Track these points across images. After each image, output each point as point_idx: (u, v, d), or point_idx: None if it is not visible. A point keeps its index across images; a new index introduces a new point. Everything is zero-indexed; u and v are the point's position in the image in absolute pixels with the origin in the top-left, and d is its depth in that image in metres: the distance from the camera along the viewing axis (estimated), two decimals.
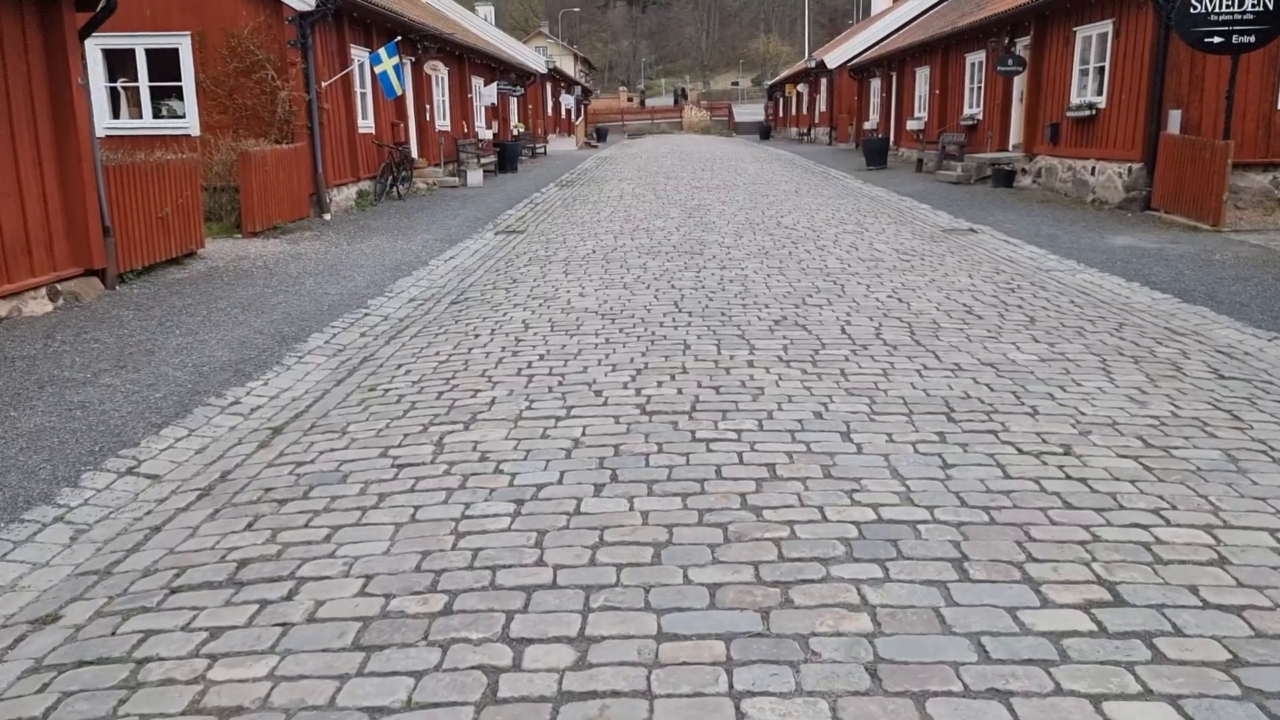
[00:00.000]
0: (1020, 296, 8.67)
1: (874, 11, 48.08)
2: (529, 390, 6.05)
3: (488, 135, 28.50)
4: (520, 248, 12.47)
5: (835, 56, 41.35)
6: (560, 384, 6.16)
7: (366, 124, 17.61)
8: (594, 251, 11.83)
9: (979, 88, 22.95)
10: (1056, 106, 18.00)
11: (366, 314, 8.60)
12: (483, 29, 39.07)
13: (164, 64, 14.62)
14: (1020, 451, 4.79)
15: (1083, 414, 5.36)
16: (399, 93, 15.81)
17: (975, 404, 5.57)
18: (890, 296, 8.65)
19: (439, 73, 20.35)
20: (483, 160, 24.21)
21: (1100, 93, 16.36)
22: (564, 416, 5.50)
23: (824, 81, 43.66)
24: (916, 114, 28.34)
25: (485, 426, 5.37)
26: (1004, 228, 13.56)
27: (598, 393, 5.94)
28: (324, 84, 15.00)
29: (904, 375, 6.18)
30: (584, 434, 5.19)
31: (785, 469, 4.60)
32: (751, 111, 75.21)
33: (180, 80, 14.65)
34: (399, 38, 16.33)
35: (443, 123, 23.30)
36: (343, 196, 16.26)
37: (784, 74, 60.61)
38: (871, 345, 6.94)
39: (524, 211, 16.84)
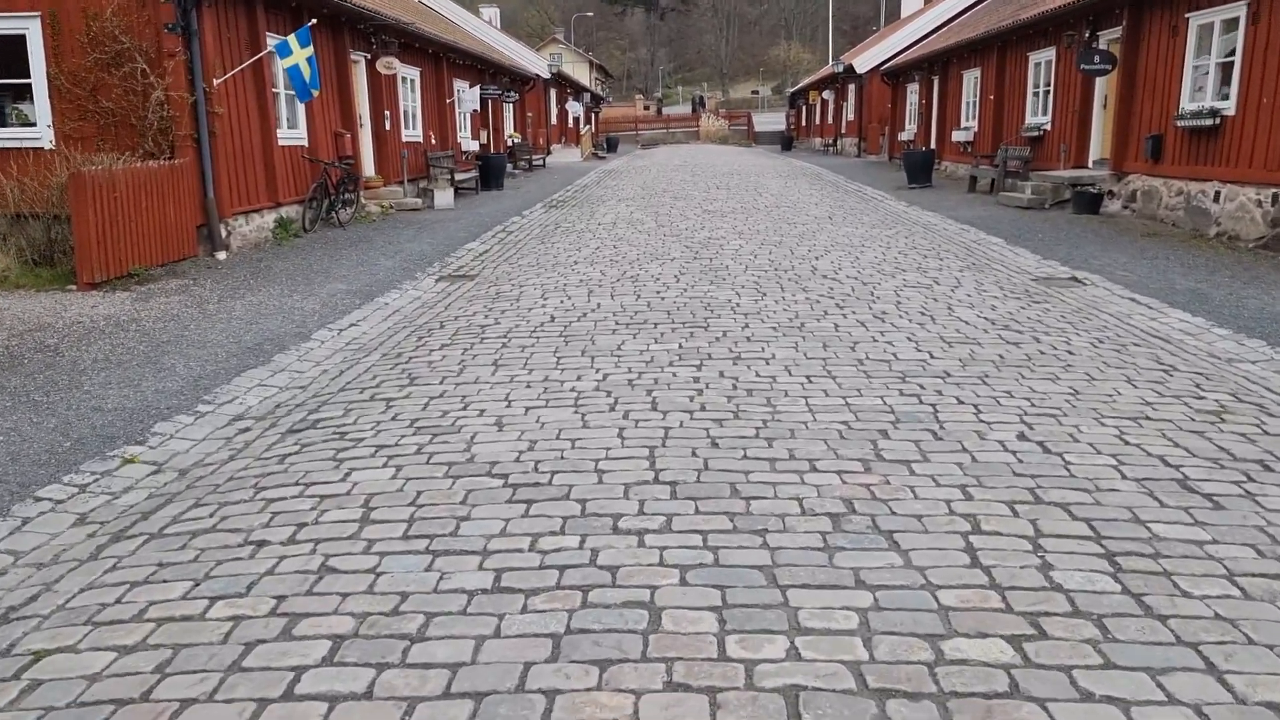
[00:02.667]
0: (1238, 428, 5.00)
1: (905, 13, 44.45)
2: None
3: (473, 147, 24.99)
4: (454, 310, 8.89)
5: (865, 60, 37.70)
6: None
7: (293, 134, 14.09)
8: (552, 319, 8.23)
9: (1046, 92, 19.24)
10: (1159, 114, 14.29)
11: (92, 483, 5.01)
12: (479, 29, 35.66)
13: (7, 56, 11.15)
14: None
15: None
16: (313, 94, 12.30)
17: None
18: (1022, 439, 5.00)
19: (393, 71, 16.84)
20: (459, 177, 20.68)
21: (1227, 96, 12.65)
22: None
23: (852, 88, 40.00)
24: (964, 123, 24.64)
25: None
26: (1118, 277, 9.90)
27: None
28: (217, 81, 11.46)
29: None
30: None
31: None
32: (772, 121, 71.54)
33: (30, 77, 11.16)
34: (313, 21, 12.77)
35: (410, 133, 19.78)
36: (253, 228, 12.72)
37: (807, 80, 56.96)
38: (1050, 604, 3.29)
39: (488, 245, 13.29)
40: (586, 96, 52.90)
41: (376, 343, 7.65)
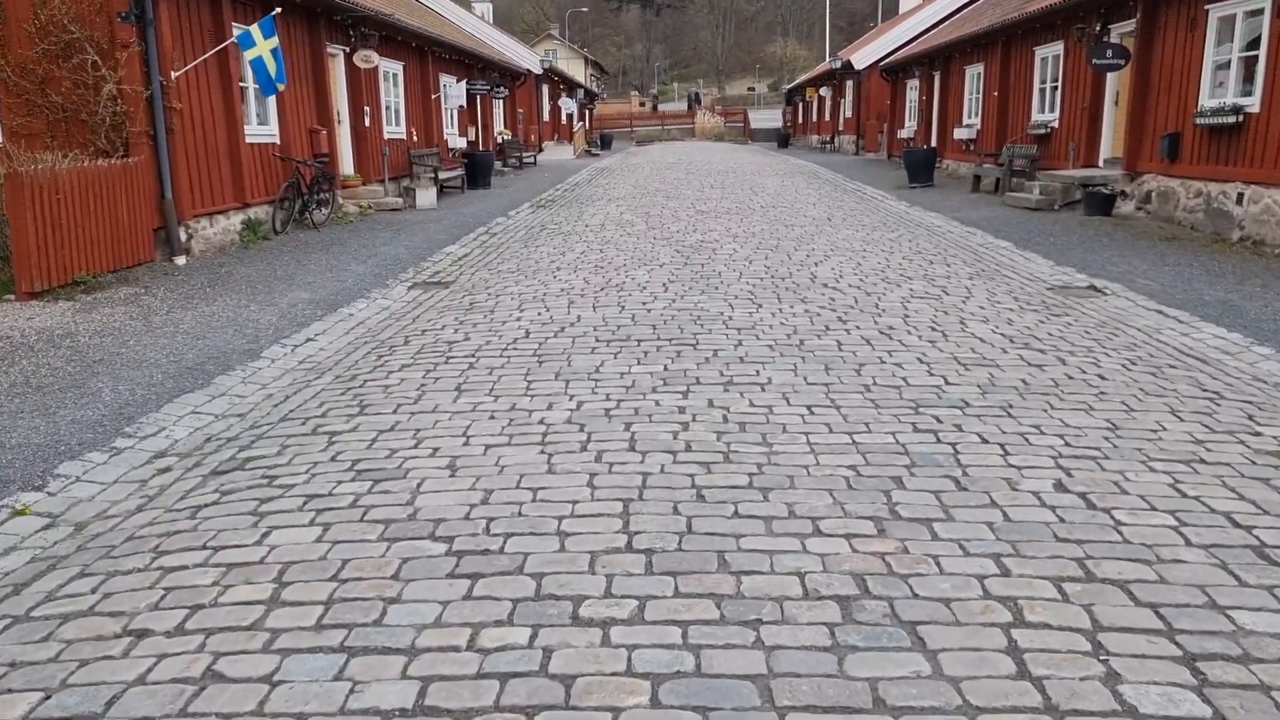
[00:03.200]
0: None
1: (903, 9, 43.70)
2: None
3: (461, 144, 24.23)
4: (422, 322, 8.17)
5: (863, 56, 36.98)
6: None
7: (263, 131, 13.34)
8: (527, 334, 7.51)
9: (1054, 88, 18.52)
10: (1176, 111, 13.57)
11: None
12: (469, 23, 34.88)
13: None
14: None
15: None
16: (279, 89, 11.53)
17: None
18: (1060, 489, 4.27)
19: (372, 65, 16.08)
20: (443, 175, 19.92)
21: (1250, 92, 11.94)
22: None
23: (850, 84, 39.27)
24: (966, 120, 23.92)
25: None
26: (1140, 285, 9.19)
27: None
28: (176, 74, 10.71)
29: None
30: None
31: None
32: (768, 118, 70.82)
33: None
34: (277, 10, 12.01)
35: (393, 129, 19.01)
36: (217, 230, 11.97)
37: (804, 77, 56.22)
38: None
39: (468, 248, 12.56)
40: (580, 93, 52.11)
41: (333, 361, 6.92)
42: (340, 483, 4.52)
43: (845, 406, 5.48)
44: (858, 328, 7.49)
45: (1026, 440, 4.89)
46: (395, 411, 5.64)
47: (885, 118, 34.65)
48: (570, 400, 5.73)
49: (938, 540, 3.74)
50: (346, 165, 16.75)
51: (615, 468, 4.59)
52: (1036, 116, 19.21)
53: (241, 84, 12.75)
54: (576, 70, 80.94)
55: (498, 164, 27.77)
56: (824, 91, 44.78)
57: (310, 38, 14.90)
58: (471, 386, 6.11)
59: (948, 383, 5.95)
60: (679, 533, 3.84)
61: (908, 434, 5.00)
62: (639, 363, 6.55)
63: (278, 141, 13.72)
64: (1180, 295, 8.72)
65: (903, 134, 30.58)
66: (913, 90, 30.13)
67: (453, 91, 21.73)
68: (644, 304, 8.52)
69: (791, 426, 5.15)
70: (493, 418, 5.45)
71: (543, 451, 4.85)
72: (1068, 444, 4.83)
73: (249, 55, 10.99)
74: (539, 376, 6.29)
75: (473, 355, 6.92)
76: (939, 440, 4.90)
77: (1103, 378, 6.05)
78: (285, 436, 5.27)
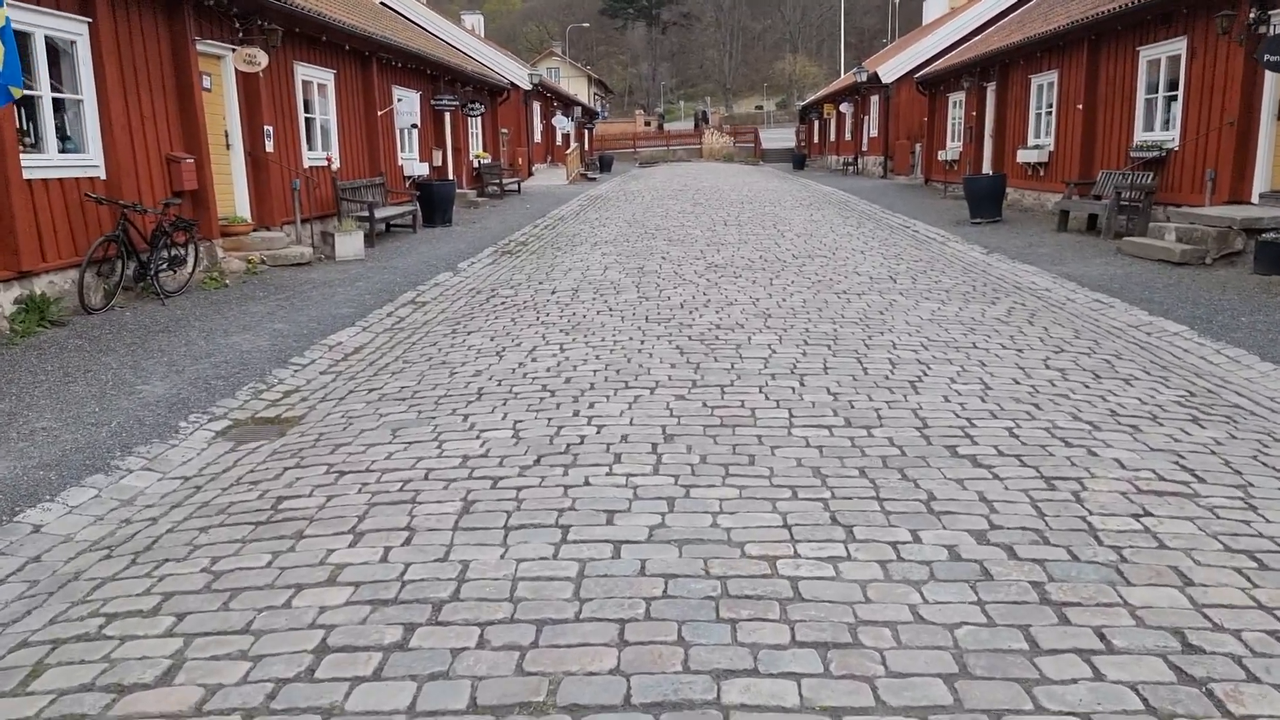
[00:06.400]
0: None
1: (927, 18, 39.59)
2: None
3: (423, 170, 20.02)
4: (167, 570, 3.85)
5: (892, 68, 32.85)
6: None
7: (70, 161, 9.13)
8: (362, 619, 3.19)
9: (1170, 98, 14.26)
10: None
11: None
12: (457, 37, 30.80)
13: None
14: None
15: None
16: (13, 94, 7.30)
17: None
18: None
19: (256, 67, 11.82)
20: (389, 212, 15.71)
21: None
22: None
23: (875, 99, 35.12)
24: (1033, 140, 19.66)
25: None
26: None
27: None
28: None
29: None
30: None
31: None
32: (780, 137, 66.77)
33: None
34: None
35: (314, 155, 14.78)
36: None
37: (822, 92, 52.09)
38: None
39: (368, 337, 8.36)
40: (577, 111, 48.02)
41: None
42: None
43: None
44: (1072, 609, 3.17)
45: None
46: None
47: (919, 137, 30.43)
48: None
49: None
50: (239, 204, 12.52)
51: None
52: (1143, 135, 14.93)
53: (33, 91, 8.54)
54: (580, 89, 77.13)
55: (472, 193, 23.59)
56: (844, 107, 40.60)
57: (169, 29, 10.72)
58: None
59: None
60: None
61: None
62: None
63: (103, 175, 9.48)
64: None
65: (943, 155, 26.33)
66: (957, 105, 25.89)
67: (403, 108, 17.51)
68: (612, 514, 4.22)
69: None
70: None
71: None
72: None
73: None
74: None
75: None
76: None
77: None
78: None
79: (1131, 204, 13.87)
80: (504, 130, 30.47)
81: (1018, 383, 6.30)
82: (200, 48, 11.40)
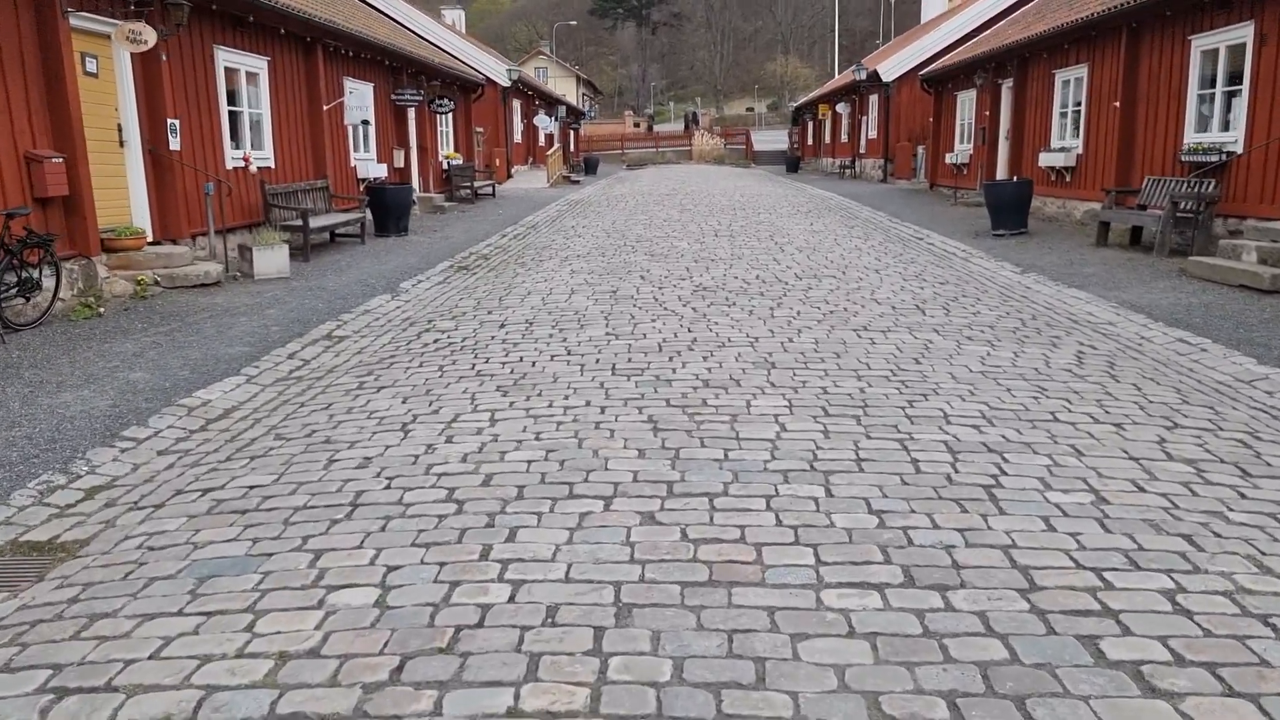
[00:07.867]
0: None
1: (926, 16, 37.69)
2: None
3: (380, 172, 17.97)
4: None
5: (893, 65, 30.95)
6: None
7: None
8: None
9: (1228, 93, 12.32)
10: None
11: None
12: (432, 31, 28.75)
13: None
14: None
15: None
16: None
17: None
18: None
19: (143, 46, 9.78)
20: (331, 220, 13.68)
21: None
22: None
23: (874, 99, 33.19)
24: (1056, 142, 17.72)
25: None
26: None
27: None
28: None
29: None
30: None
31: None
32: (772, 139, 64.77)
33: None
34: None
35: (237, 155, 12.71)
36: None
37: (816, 92, 50.17)
38: None
39: (255, 388, 6.40)
40: (562, 110, 45.97)
41: None
42: None
43: None
44: None
45: None
46: None
47: (923, 138, 28.52)
48: None
49: None
50: (136, 212, 10.47)
51: None
52: (1195, 137, 12.97)
53: None
54: (568, 89, 74.96)
55: (439, 197, 21.55)
56: (841, 108, 38.64)
57: (33, 2, 8.66)
58: None
59: None
60: None
61: None
62: None
63: None
64: None
65: (951, 159, 24.40)
66: (966, 104, 23.96)
67: (354, 101, 15.45)
68: None
69: None
70: None
71: None
72: None
73: None
74: None
75: None
76: None
77: None
78: None
79: (1191, 218, 11.93)
80: (479, 129, 28.44)
81: (1141, 488, 4.32)
82: (78, 22, 9.36)
